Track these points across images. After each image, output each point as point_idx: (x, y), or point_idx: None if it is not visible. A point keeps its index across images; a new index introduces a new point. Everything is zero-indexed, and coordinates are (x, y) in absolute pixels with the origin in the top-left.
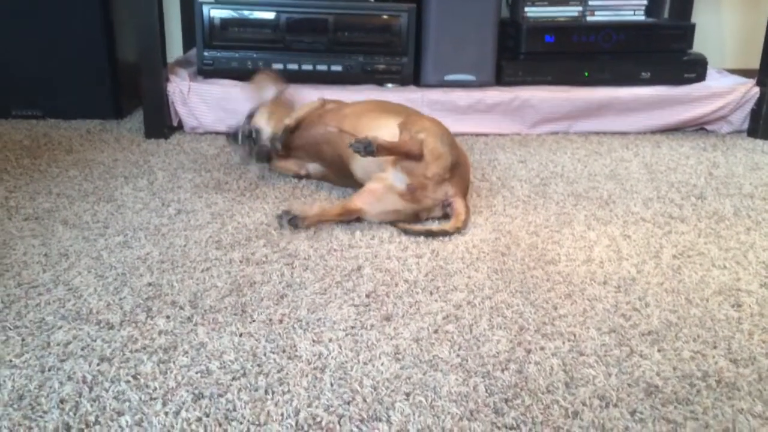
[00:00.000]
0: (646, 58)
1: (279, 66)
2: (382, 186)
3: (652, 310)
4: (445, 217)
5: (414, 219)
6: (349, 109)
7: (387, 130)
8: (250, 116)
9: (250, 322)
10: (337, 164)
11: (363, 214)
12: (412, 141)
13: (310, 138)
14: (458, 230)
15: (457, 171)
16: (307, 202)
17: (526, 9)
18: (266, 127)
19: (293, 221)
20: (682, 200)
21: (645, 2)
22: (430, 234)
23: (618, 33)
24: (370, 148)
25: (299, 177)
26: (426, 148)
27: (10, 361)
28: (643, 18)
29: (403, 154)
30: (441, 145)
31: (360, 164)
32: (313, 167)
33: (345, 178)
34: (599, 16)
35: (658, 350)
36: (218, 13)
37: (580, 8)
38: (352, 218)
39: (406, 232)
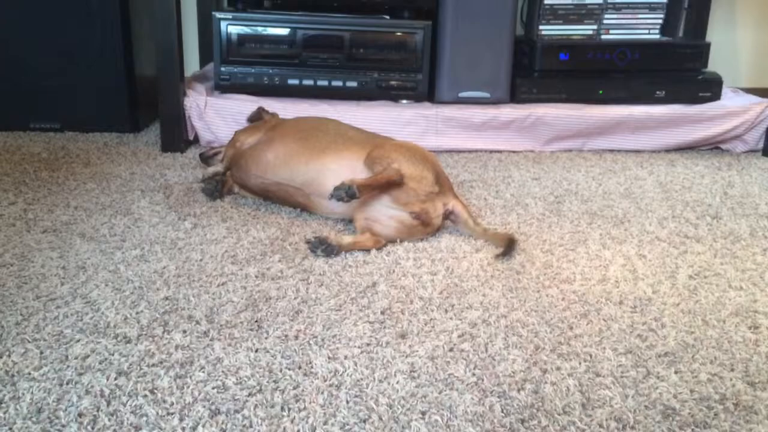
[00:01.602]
0: (660, 77)
1: (295, 82)
2: (399, 223)
3: (668, 331)
4: (450, 221)
5: (427, 234)
6: (276, 149)
7: (346, 170)
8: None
9: (266, 338)
10: (296, 203)
11: (387, 240)
12: (387, 171)
13: (248, 183)
14: (479, 227)
15: (439, 178)
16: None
17: (541, 27)
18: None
19: (327, 250)
20: (697, 220)
21: (660, 21)
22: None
23: (633, 51)
24: (351, 192)
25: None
26: (405, 176)
27: (29, 373)
28: (658, 37)
29: (384, 186)
30: (417, 166)
31: (325, 205)
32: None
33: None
34: (614, 35)
35: (675, 372)
36: (235, 29)
37: (594, 26)
38: (378, 246)
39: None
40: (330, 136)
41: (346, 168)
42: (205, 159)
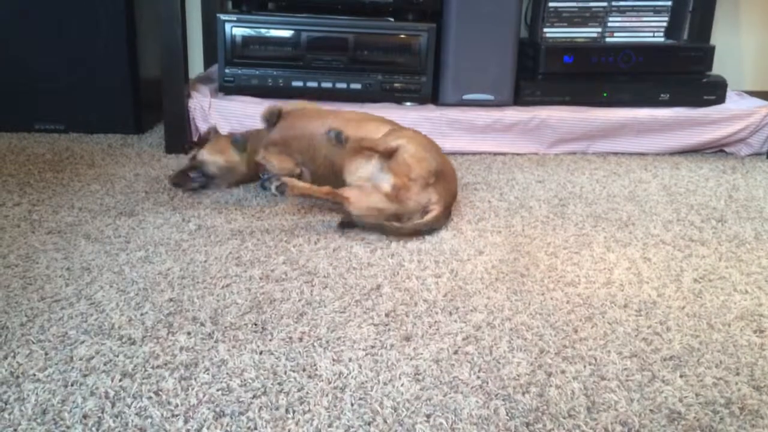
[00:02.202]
0: (665, 80)
1: (299, 84)
2: (370, 184)
3: (673, 335)
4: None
5: (395, 220)
6: (348, 114)
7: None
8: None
9: (270, 340)
10: (330, 168)
11: (348, 204)
12: (384, 142)
13: (304, 132)
14: (428, 226)
15: (442, 180)
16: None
17: (545, 29)
18: (210, 157)
19: (280, 188)
20: (702, 223)
21: (665, 24)
22: (398, 232)
23: (637, 54)
24: (339, 137)
25: (292, 175)
26: (407, 153)
27: (34, 375)
28: (662, 39)
29: (370, 149)
30: (422, 150)
31: (351, 170)
32: (306, 171)
33: (331, 182)
34: (618, 38)
35: (681, 376)
36: (240, 31)
37: (599, 29)
38: (336, 203)
39: (385, 230)
40: (382, 119)
41: (379, 133)
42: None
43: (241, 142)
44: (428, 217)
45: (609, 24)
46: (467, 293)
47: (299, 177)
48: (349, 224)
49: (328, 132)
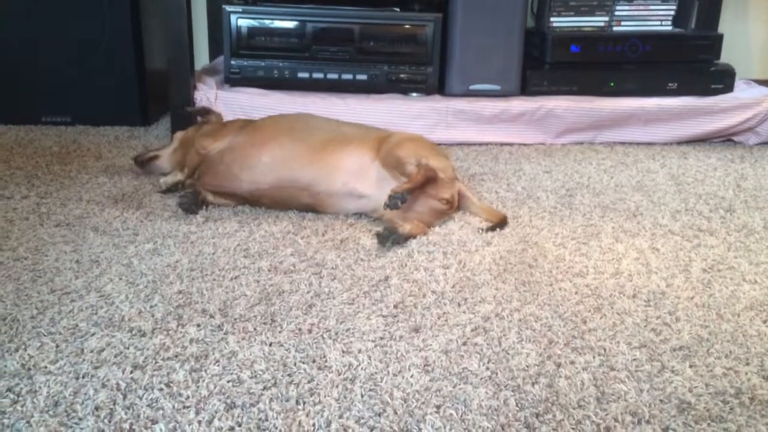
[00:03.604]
0: (672, 69)
1: (305, 75)
2: (431, 210)
3: (682, 325)
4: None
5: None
6: (270, 153)
7: (354, 164)
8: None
9: (280, 332)
10: (296, 204)
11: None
12: (424, 170)
13: (238, 191)
14: (483, 204)
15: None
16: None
17: (552, 19)
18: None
19: (395, 239)
20: (710, 213)
21: (672, 12)
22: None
23: (644, 43)
24: (404, 198)
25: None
26: (436, 169)
27: (45, 367)
28: (670, 28)
29: (424, 184)
30: (439, 158)
31: (336, 203)
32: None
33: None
34: (626, 26)
35: (690, 366)
36: (245, 23)
37: (606, 18)
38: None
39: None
40: (324, 132)
41: (355, 164)
42: (141, 163)
43: (186, 199)
44: (469, 203)
45: (616, 13)
46: (475, 284)
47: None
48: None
49: (389, 204)
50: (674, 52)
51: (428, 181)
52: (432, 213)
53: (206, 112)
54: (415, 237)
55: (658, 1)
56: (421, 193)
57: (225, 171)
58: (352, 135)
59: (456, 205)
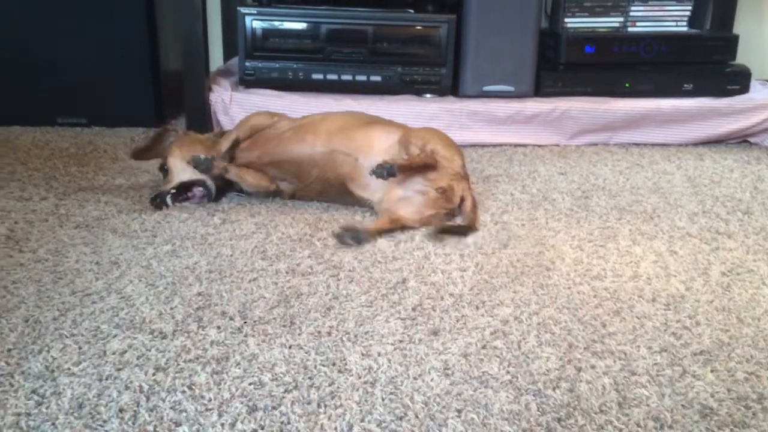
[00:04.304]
0: (688, 70)
1: (319, 76)
2: (423, 196)
3: (703, 329)
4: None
5: (447, 218)
6: (328, 124)
7: (385, 143)
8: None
9: (299, 334)
10: (325, 183)
11: (406, 222)
12: (423, 154)
13: (286, 156)
14: (473, 225)
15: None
16: (355, 221)
17: (566, 19)
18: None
19: (357, 237)
20: (728, 215)
21: (688, 13)
22: (449, 231)
23: (660, 44)
24: (391, 170)
25: (268, 192)
26: (438, 155)
27: (69, 369)
28: (685, 29)
29: (421, 168)
30: (449, 149)
31: (364, 183)
32: (284, 184)
33: (326, 195)
34: (640, 27)
35: (711, 371)
36: (260, 24)
37: (621, 19)
38: (398, 228)
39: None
40: (366, 116)
41: (386, 143)
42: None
43: (203, 164)
44: (467, 206)
45: (631, 13)
46: (493, 287)
47: (276, 193)
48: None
49: (375, 171)
50: (690, 53)
51: (428, 167)
52: (423, 200)
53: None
54: (380, 233)
55: (674, 1)
56: (419, 177)
57: (290, 137)
58: (389, 122)
59: (456, 202)
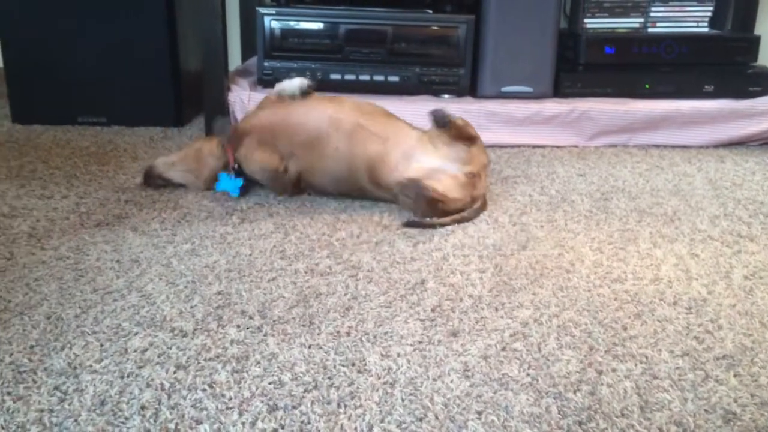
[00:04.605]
0: (709, 71)
1: (337, 76)
2: (452, 179)
3: (725, 333)
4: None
5: (468, 206)
6: (352, 103)
7: (413, 135)
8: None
9: (318, 334)
10: (343, 162)
11: (444, 204)
12: (469, 126)
13: (302, 120)
14: (477, 213)
15: None
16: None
17: (586, 20)
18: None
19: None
20: (750, 218)
21: (709, 13)
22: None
23: (680, 45)
24: (445, 120)
25: (276, 176)
26: (477, 139)
27: (91, 366)
28: (706, 30)
29: (465, 137)
30: (481, 142)
31: (393, 166)
32: (292, 162)
33: (338, 178)
34: (661, 28)
35: (734, 375)
36: (279, 24)
37: (641, 19)
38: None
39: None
40: (375, 106)
41: (414, 134)
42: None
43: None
44: (477, 205)
45: (651, 14)
46: (512, 289)
47: (283, 176)
48: (417, 224)
49: (434, 112)
50: (711, 54)
51: (470, 139)
52: (451, 182)
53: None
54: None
55: (695, 2)
56: (456, 156)
57: (308, 105)
58: (396, 118)
59: (478, 193)
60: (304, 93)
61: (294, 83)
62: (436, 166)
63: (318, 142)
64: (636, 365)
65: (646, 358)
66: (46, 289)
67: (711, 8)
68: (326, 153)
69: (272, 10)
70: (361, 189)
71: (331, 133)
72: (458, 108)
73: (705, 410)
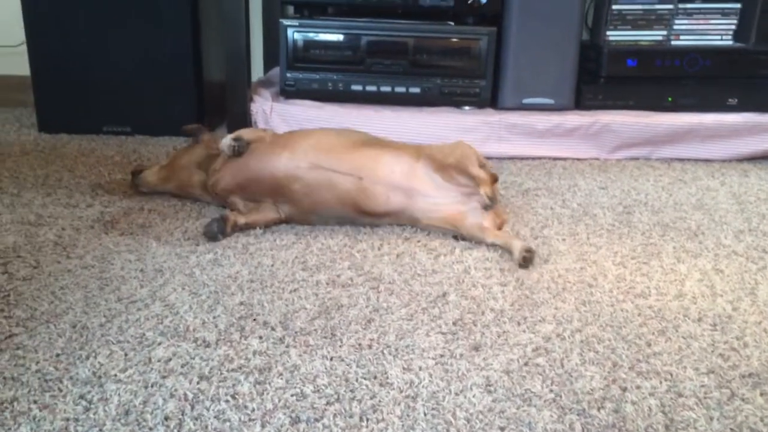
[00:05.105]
0: (733, 84)
1: (358, 87)
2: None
3: (751, 351)
4: None
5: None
6: (317, 142)
7: (398, 165)
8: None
9: (340, 346)
10: (319, 204)
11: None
12: (488, 171)
13: (261, 172)
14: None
15: None
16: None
17: (608, 32)
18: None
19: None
20: None
21: (733, 27)
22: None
23: (704, 58)
24: (493, 201)
25: (277, 223)
26: (485, 166)
27: (115, 375)
28: (730, 43)
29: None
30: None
31: (384, 201)
32: (284, 209)
33: (323, 215)
34: (684, 41)
35: (761, 394)
36: (301, 36)
37: (664, 32)
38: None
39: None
40: (362, 136)
41: (403, 163)
42: (133, 174)
43: (217, 229)
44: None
45: (675, 27)
46: (534, 303)
47: (284, 221)
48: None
49: (488, 205)
50: (734, 67)
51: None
52: (491, 213)
53: (199, 131)
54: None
55: (719, 15)
56: (461, 182)
57: (262, 154)
58: (383, 141)
59: (503, 218)
60: (240, 147)
61: (224, 143)
62: (449, 201)
63: (285, 190)
64: (661, 382)
65: (671, 375)
66: (71, 298)
67: (735, 21)
68: (293, 197)
69: (295, 22)
70: (355, 221)
71: (291, 182)
72: (478, 119)
73: (731, 429)
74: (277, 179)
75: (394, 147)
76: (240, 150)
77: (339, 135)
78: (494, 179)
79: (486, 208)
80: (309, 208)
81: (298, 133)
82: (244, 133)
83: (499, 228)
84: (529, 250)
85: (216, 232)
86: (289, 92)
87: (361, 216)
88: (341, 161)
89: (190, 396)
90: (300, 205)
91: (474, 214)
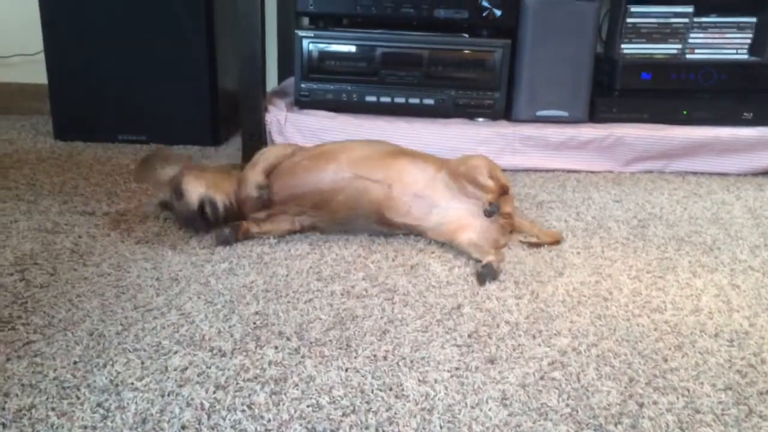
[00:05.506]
0: (748, 98)
1: (372, 99)
2: (498, 227)
3: None
4: None
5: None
6: (348, 153)
7: (422, 175)
8: (176, 190)
9: (356, 357)
10: (352, 211)
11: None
12: (497, 181)
13: (306, 187)
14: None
15: None
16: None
17: (623, 45)
18: (210, 192)
19: (494, 276)
20: None
21: (749, 41)
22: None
23: (719, 71)
24: (494, 209)
25: (292, 233)
26: (503, 181)
27: (132, 383)
28: (746, 56)
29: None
30: (501, 172)
31: (405, 211)
32: (301, 219)
33: (352, 224)
34: (699, 54)
35: None
36: (316, 47)
37: (679, 46)
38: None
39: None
40: (392, 146)
41: (427, 173)
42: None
43: (229, 236)
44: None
45: (690, 40)
46: (549, 316)
47: (300, 231)
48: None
49: (489, 210)
50: (750, 81)
51: (502, 194)
52: (498, 229)
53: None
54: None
55: (734, 29)
56: (475, 197)
57: (305, 171)
58: (413, 151)
59: (516, 227)
60: (261, 190)
61: (251, 189)
62: (461, 213)
63: (323, 200)
64: (678, 398)
65: (688, 391)
66: (88, 306)
67: (751, 35)
68: (333, 208)
69: (310, 33)
70: (371, 229)
71: (336, 194)
72: (492, 131)
73: None
74: (322, 192)
75: (422, 157)
76: (263, 197)
77: (370, 145)
78: (504, 190)
79: (486, 214)
80: (344, 219)
81: (336, 146)
82: (270, 154)
83: (498, 248)
84: (487, 267)
85: (228, 237)
86: (303, 102)
87: (380, 225)
88: (375, 170)
89: (207, 405)
90: (336, 215)
91: (474, 228)
